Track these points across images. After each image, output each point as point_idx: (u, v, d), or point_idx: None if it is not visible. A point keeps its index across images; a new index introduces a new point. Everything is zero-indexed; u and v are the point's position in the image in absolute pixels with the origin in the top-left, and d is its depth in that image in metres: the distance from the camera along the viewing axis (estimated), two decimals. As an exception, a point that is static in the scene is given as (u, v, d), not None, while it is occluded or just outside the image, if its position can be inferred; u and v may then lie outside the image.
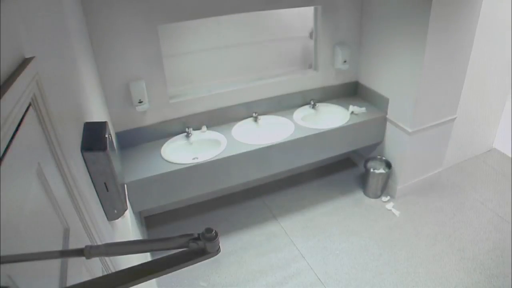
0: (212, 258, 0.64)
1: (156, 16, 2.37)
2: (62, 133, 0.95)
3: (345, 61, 3.10)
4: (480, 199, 3.22)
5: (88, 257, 0.65)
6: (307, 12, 3.02)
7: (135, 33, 2.36)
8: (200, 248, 0.62)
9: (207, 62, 3.46)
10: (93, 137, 1.27)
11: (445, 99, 2.93)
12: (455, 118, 3.09)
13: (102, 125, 1.35)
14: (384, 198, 3.25)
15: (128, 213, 2.00)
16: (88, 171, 1.23)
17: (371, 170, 3.15)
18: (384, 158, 3.23)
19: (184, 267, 0.63)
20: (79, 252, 0.65)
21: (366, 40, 3.11)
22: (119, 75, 2.44)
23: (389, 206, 3.16)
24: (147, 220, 3.10)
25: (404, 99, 2.87)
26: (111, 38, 2.31)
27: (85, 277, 0.99)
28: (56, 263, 0.81)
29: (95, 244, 1.12)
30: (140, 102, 2.50)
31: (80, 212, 1.05)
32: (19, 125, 0.70)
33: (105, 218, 1.35)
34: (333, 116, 3.07)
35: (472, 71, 2.98)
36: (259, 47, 3.26)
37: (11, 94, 0.65)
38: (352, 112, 3.06)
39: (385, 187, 3.26)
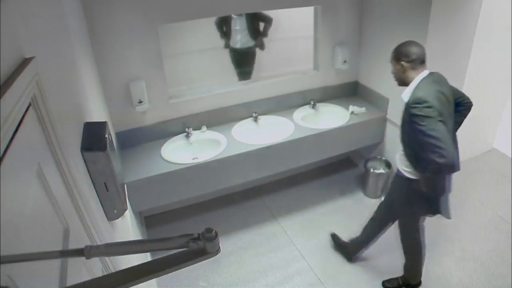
0: (212, 258, 0.64)
1: (157, 16, 2.37)
2: (62, 133, 0.95)
3: (345, 61, 3.10)
4: (480, 199, 3.21)
5: (88, 257, 0.65)
6: (309, 11, 3.02)
7: (135, 33, 2.36)
8: (200, 248, 0.62)
9: (207, 62, 3.46)
10: (93, 137, 1.27)
11: (445, 99, 2.93)
12: (455, 118, 3.09)
13: (102, 125, 1.35)
14: (384, 198, 3.25)
15: (128, 213, 2.00)
16: (88, 171, 1.23)
17: (371, 170, 3.15)
18: (384, 158, 3.23)
19: (184, 267, 0.63)
20: (79, 252, 0.65)
21: (366, 40, 3.11)
22: (119, 75, 2.44)
23: (389, 206, 3.16)
24: (147, 220, 3.10)
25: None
26: (111, 38, 2.31)
27: (85, 277, 0.99)
28: (56, 263, 0.81)
29: (95, 244, 1.12)
30: (140, 102, 2.50)
31: (80, 212, 1.05)
32: (19, 125, 0.70)
33: (105, 218, 1.35)
34: (333, 116, 3.07)
35: (472, 71, 2.98)
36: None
37: (11, 94, 0.65)
38: (352, 112, 3.06)
39: (385, 187, 3.26)
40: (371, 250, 2.75)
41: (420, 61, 1.81)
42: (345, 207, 3.19)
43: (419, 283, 2.46)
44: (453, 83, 2.88)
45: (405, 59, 1.82)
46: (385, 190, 3.26)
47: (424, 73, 1.82)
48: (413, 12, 2.55)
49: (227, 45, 3.43)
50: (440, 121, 1.67)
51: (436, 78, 1.82)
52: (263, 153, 2.65)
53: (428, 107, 1.66)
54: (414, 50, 1.80)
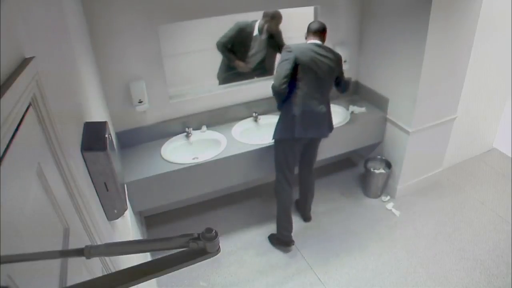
0: (212, 258, 0.64)
1: (156, 16, 2.37)
2: (62, 133, 0.95)
3: (345, 61, 3.09)
4: (480, 199, 3.22)
5: (88, 257, 0.65)
6: (309, 11, 3.02)
7: (135, 33, 2.36)
8: (200, 248, 0.62)
9: (207, 62, 3.46)
10: (93, 137, 1.27)
11: (445, 98, 2.93)
12: (455, 118, 3.09)
13: (102, 125, 1.35)
14: (384, 198, 3.25)
15: (128, 213, 2.00)
16: (88, 171, 1.23)
17: (371, 170, 3.15)
18: (384, 158, 3.23)
19: (184, 267, 0.63)
20: (79, 252, 0.65)
21: (366, 40, 3.11)
22: (119, 75, 2.44)
23: (389, 206, 3.16)
24: (147, 220, 3.10)
25: (404, 99, 2.87)
26: (111, 38, 2.31)
27: (85, 277, 0.98)
28: (56, 263, 0.81)
29: (95, 244, 1.12)
30: (140, 102, 2.50)
31: (80, 212, 1.05)
32: (19, 125, 0.70)
33: (105, 218, 1.35)
34: (333, 116, 3.06)
35: (473, 71, 2.98)
36: (259, 47, 3.25)
37: (11, 94, 0.65)
38: (352, 112, 3.06)
39: (385, 187, 3.26)
40: (364, 249, 2.76)
41: (312, 32, 2.44)
42: (345, 207, 3.19)
43: (287, 240, 2.78)
44: (453, 82, 2.90)
45: (307, 30, 2.50)
46: (385, 190, 3.27)
47: (312, 40, 2.43)
48: (413, 12, 2.55)
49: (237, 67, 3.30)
50: (295, 64, 2.31)
51: (322, 46, 2.43)
52: (263, 153, 2.65)
53: (288, 51, 2.33)
54: (310, 26, 2.47)
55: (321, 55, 2.37)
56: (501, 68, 3.28)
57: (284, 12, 3.06)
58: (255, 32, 3.20)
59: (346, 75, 3.26)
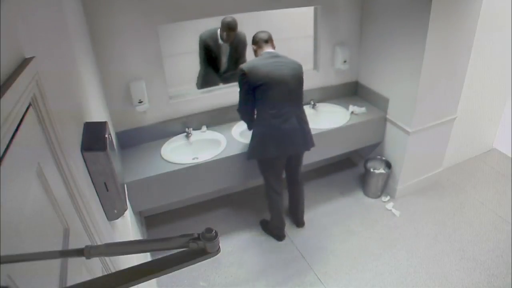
0: (212, 258, 0.64)
1: (156, 16, 2.37)
2: (62, 133, 0.95)
3: (345, 61, 3.10)
4: (480, 199, 3.22)
5: (88, 257, 0.65)
6: (309, 11, 3.02)
7: (135, 33, 2.36)
8: (200, 248, 0.62)
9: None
10: (93, 137, 1.27)
11: (445, 99, 2.93)
12: (455, 118, 3.09)
13: (102, 125, 1.35)
14: (384, 198, 3.25)
15: (128, 213, 2.00)
16: (88, 171, 1.23)
17: (371, 170, 3.15)
18: (384, 158, 3.23)
19: (184, 267, 0.63)
20: (79, 252, 0.65)
21: (366, 40, 3.11)
22: (119, 75, 2.44)
23: (389, 206, 3.16)
24: (147, 220, 3.10)
25: (404, 99, 2.87)
26: (111, 38, 2.31)
27: (85, 277, 0.99)
28: (56, 263, 0.81)
29: (95, 244, 1.12)
30: (140, 102, 2.50)
31: (80, 212, 1.05)
32: (19, 125, 0.70)
33: (105, 218, 1.36)
34: (333, 116, 3.07)
35: (473, 71, 2.98)
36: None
37: (11, 94, 0.65)
38: (352, 112, 3.06)
39: (385, 187, 3.26)
40: (364, 249, 2.76)
41: (264, 41, 2.36)
42: (345, 207, 3.19)
43: (279, 235, 2.87)
44: (453, 82, 2.90)
45: (253, 42, 2.42)
46: (385, 190, 3.27)
47: (266, 49, 2.35)
48: (413, 12, 2.55)
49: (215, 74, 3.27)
50: (256, 86, 2.22)
51: (279, 55, 2.32)
52: (263, 153, 2.65)
53: (242, 76, 2.23)
54: (260, 36, 2.38)
55: (281, 63, 2.26)
56: (501, 68, 3.28)
57: (284, 12, 3.05)
58: (219, 40, 3.13)
59: (347, 75, 3.30)
